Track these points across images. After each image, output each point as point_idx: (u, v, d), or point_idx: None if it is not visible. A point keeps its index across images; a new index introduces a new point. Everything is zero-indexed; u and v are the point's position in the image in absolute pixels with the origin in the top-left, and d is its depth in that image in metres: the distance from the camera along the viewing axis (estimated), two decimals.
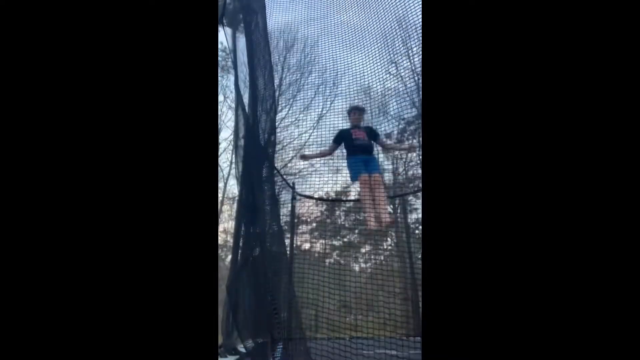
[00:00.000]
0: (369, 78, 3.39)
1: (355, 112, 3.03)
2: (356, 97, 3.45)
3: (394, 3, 3.06)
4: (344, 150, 2.96)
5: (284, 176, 4.10)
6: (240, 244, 3.07)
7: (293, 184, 4.21)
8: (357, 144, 2.87)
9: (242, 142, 3.23)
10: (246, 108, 2.98)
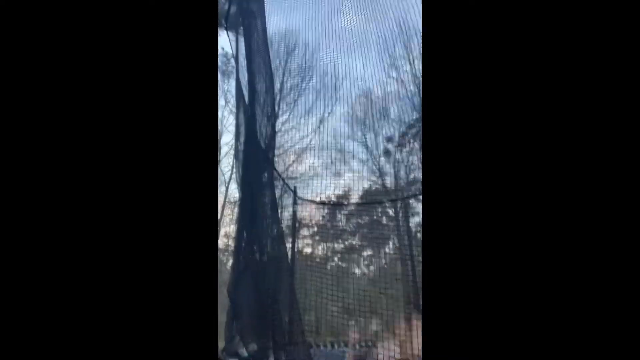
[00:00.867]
0: (370, 82, 3.40)
1: None
2: (357, 101, 3.46)
3: (394, 6, 3.07)
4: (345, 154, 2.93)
5: (285, 180, 4.09)
6: (242, 248, 3.06)
7: (294, 188, 4.21)
8: None
9: (243, 146, 3.24)
10: (247, 112, 2.99)
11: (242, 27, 3.10)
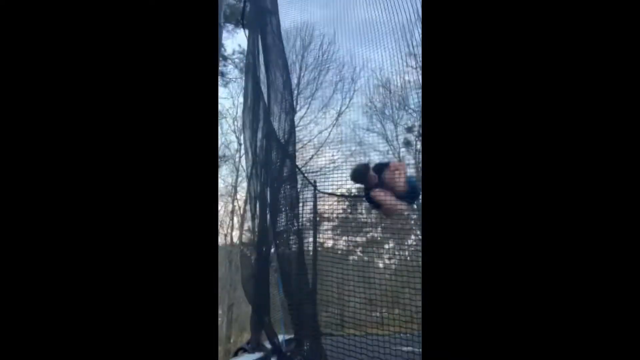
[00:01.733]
0: (388, 72, 3.34)
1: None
2: (375, 92, 3.41)
3: None
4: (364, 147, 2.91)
5: (305, 174, 4.11)
6: (263, 242, 3.11)
7: (314, 181, 4.21)
8: None
9: (262, 142, 3.27)
10: (265, 108, 3.01)
11: (258, 24, 3.12)
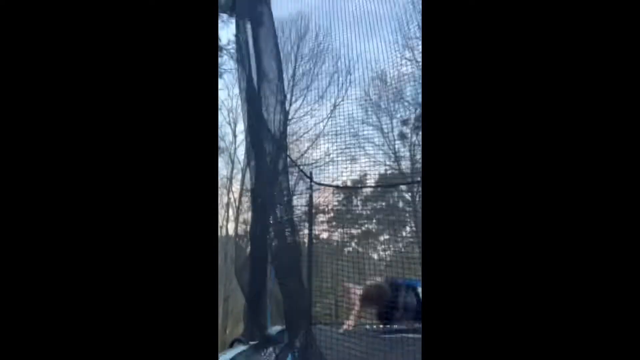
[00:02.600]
0: (384, 64, 3.32)
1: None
2: (371, 84, 3.39)
3: None
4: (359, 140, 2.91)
5: (300, 167, 4.10)
6: (258, 235, 3.11)
7: (310, 173, 4.21)
8: None
9: (255, 135, 3.25)
10: (257, 100, 2.99)
11: (249, 15, 3.08)
